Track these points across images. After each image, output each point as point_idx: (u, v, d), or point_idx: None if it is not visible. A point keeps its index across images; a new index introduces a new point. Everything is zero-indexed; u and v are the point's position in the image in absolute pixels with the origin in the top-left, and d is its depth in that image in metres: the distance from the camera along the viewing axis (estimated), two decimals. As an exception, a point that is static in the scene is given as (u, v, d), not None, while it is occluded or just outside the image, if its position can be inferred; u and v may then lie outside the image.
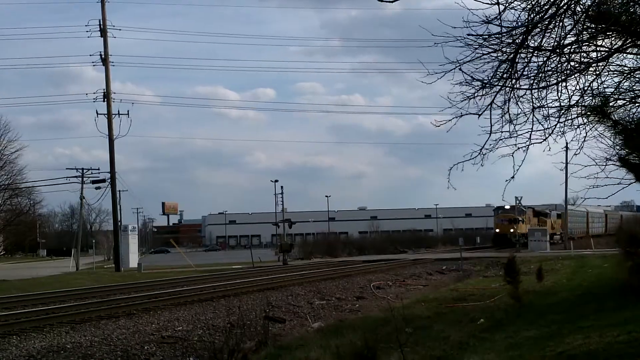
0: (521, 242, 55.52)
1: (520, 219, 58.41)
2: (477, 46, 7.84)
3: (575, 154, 9.63)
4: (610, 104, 9.87)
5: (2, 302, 22.11)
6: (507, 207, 57.32)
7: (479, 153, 8.71)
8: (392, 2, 6.74)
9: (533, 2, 7.45)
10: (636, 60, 9.48)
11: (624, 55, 9.13)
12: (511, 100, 8.63)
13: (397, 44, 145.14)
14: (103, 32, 47.06)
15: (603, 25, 7.74)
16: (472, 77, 7.98)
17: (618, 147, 10.52)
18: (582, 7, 7.55)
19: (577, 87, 8.83)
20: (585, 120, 9.49)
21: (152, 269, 46.18)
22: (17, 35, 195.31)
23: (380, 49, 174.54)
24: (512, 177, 8.96)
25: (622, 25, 7.81)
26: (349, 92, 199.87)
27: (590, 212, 74.66)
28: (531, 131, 8.76)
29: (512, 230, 57.77)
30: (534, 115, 8.74)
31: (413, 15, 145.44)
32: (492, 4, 7.36)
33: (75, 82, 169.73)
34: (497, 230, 60.80)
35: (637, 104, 10.38)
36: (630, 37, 8.16)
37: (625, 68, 9.60)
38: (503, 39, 7.76)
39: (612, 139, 10.21)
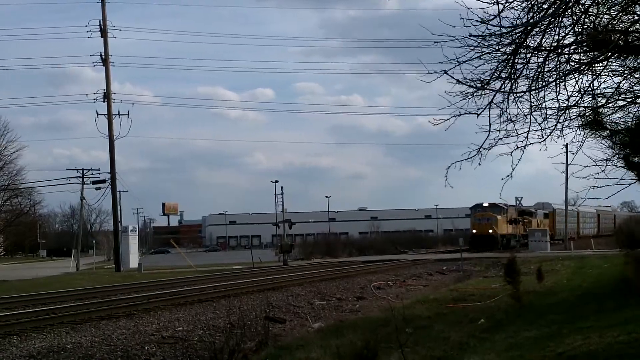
0: (502, 243, 52.31)
1: (500, 218, 53.88)
2: (476, 46, 7.84)
3: (575, 153, 9.64)
4: (610, 105, 9.87)
5: (3, 302, 22.11)
6: (486, 204, 54.05)
7: (477, 152, 8.71)
8: (388, -1, 6.72)
9: (532, 2, 7.46)
10: (633, 61, 9.48)
11: (623, 56, 9.13)
12: (510, 100, 8.64)
13: (396, 45, 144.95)
14: (103, 33, 47.04)
15: (596, 52, 7.76)
16: (462, 82, 7.99)
17: (618, 148, 10.53)
18: (582, 6, 7.56)
19: (576, 88, 8.84)
20: (583, 124, 9.50)
21: (152, 270, 46.18)
22: (16, 36, 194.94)
23: (379, 49, 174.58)
24: (508, 176, 8.97)
25: (618, 46, 7.83)
26: (348, 92, 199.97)
27: (581, 212, 70.43)
28: (529, 131, 8.77)
29: (490, 230, 52.59)
30: (532, 115, 8.75)
31: (412, 15, 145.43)
32: (491, 3, 7.36)
33: (74, 82, 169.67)
34: (474, 231, 54.67)
35: (637, 105, 10.38)
36: (619, 51, 8.19)
37: (626, 69, 9.60)
38: (502, 39, 7.77)
39: (612, 140, 10.23)
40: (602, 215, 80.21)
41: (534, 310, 13.50)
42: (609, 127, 9.72)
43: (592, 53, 8.44)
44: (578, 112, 9.35)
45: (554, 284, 20.11)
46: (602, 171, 9.88)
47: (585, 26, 7.81)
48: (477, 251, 49.57)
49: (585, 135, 9.64)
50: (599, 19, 7.94)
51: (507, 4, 7.37)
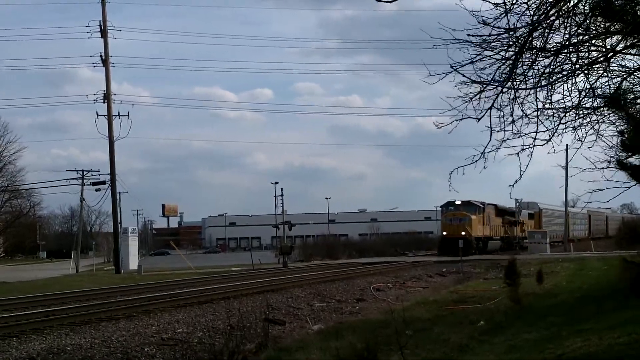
0: (477, 247, 47.00)
1: (475, 218, 47.86)
2: (479, 48, 7.85)
3: (576, 152, 9.65)
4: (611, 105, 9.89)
5: (2, 304, 22.10)
6: (458, 202, 47.40)
7: (481, 156, 8.68)
8: (390, 1, 6.75)
9: (536, 3, 7.46)
10: (636, 62, 9.51)
11: (623, 56, 9.15)
12: (513, 102, 8.64)
13: (397, 45, 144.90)
14: (103, 33, 46.96)
15: (609, 22, 7.75)
16: (471, 79, 7.98)
17: (619, 150, 10.55)
18: (587, 4, 7.56)
19: (578, 89, 8.85)
20: (587, 121, 9.50)
21: (152, 271, 46.15)
22: (14, 36, 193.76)
23: (378, 49, 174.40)
24: (517, 182, 8.97)
25: (627, 21, 7.82)
26: (347, 93, 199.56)
27: (571, 213, 63.40)
28: (536, 132, 8.74)
29: (463, 232, 45.87)
30: (538, 117, 8.73)
31: (412, 15, 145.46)
32: (495, 4, 7.37)
33: (72, 82, 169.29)
34: (444, 233, 48.44)
35: (637, 104, 10.40)
36: (634, 35, 8.17)
37: (626, 69, 9.62)
38: (506, 41, 7.78)
39: (615, 138, 10.25)
40: (594, 217, 75.76)
41: (533, 312, 13.50)
42: (626, 108, 9.69)
43: (593, 54, 8.46)
44: (578, 113, 9.36)
45: (553, 286, 20.10)
46: (602, 174, 9.90)
47: (590, 28, 7.82)
48: (448, 257, 43.91)
49: (590, 124, 9.56)
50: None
51: (511, 7, 7.37)
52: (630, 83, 9.91)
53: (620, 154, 10.55)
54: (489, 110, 8.38)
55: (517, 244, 56.09)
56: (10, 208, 78.45)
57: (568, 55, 8.09)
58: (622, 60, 9.46)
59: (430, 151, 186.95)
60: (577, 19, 7.57)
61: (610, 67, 9.27)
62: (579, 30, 7.69)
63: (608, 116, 10.04)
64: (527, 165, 8.84)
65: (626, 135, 10.58)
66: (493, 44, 7.79)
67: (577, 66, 8.30)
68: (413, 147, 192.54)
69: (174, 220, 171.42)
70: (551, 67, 8.14)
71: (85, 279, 38.22)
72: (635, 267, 12.86)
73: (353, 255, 62.62)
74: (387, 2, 6.77)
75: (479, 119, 8.46)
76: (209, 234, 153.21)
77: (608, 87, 9.39)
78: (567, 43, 7.71)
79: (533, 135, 8.75)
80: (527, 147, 8.78)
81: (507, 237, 56.05)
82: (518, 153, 8.83)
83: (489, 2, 7.37)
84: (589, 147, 9.69)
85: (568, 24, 7.56)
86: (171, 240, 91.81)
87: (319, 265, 47.06)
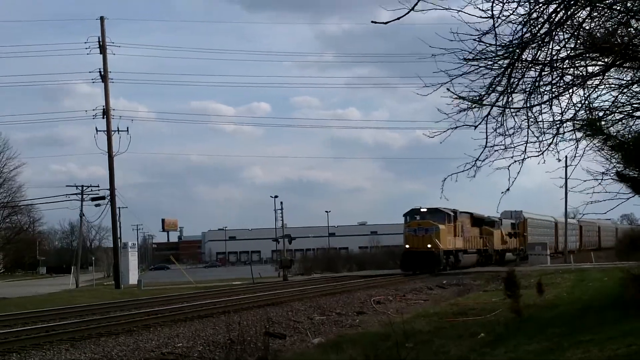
0: (448, 262, 41.28)
1: (444, 228, 40.79)
2: (472, 59, 7.92)
3: (574, 167, 9.69)
4: (608, 118, 9.94)
5: (2, 319, 22.04)
6: (424, 209, 41.50)
7: (473, 164, 8.76)
8: (385, 23, 6.87)
9: (528, 17, 7.54)
10: (632, 75, 9.55)
11: (620, 69, 9.20)
12: (506, 113, 8.71)
13: (392, 58, 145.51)
14: (102, 49, 47.14)
15: (594, 47, 7.83)
16: (460, 97, 8.07)
17: (615, 161, 10.58)
18: (575, 24, 7.64)
19: (573, 102, 8.91)
20: (580, 135, 9.56)
21: (152, 286, 46.06)
22: (11, 53, 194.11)
23: (375, 62, 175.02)
24: (507, 190, 9.03)
25: (612, 46, 7.89)
26: (344, 105, 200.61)
27: (558, 223, 59.31)
28: (526, 144, 8.83)
29: (429, 245, 39.58)
30: (529, 129, 8.81)
31: (407, 28, 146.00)
32: (487, 17, 7.46)
33: (69, 97, 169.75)
34: (408, 246, 41.75)
35: (634, 118, 10.44)
36: (621, 58, 8.25)
37: (622, 82, 9.67)
38: (498, 53, 7.85)
39: (609, 153, 10.28)
40: (585, 227, 70.15)
41: (534, 323, 13.47)
42: (605, 131, 9.76)
43: (588, 68, 8.51)
44: (573, 126, 9.41)
45: (554, 297, 20.06)
46: (600, 184, 9.94)
47: (580, 40, 7.89)
48: (412, 273, 39.39)
49: (583, 138, 9.66)
50: (595, 32, 8.01)
51: (502, 19, 7.45)
52: (627, 97, 9.96)
53: (618, 165, 10.58)
54: (485, 119, 8.46)
55: (516, 257, 53.61)
56: (10, 224, 78.42)
57: (558, 70, 8.15)
58: (618, 74, 9.52)
59: (429, 164, 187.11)
60: (564, 36, 7.65)
61: (607, 82, 9.34)
62: (570, 46, 7.77)
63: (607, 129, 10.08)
64: (517, 173, 8.94)
65: (625, 147, 10.61)
66: (486, 55, 7.87)
67: (569, 80, 8.37)
68: (411, 159, 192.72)
69: (174, 235, 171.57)
70: (542, 81, 8.22)
71: (85, 294, 38.14)
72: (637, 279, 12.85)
73: (353, 268, 62.48)
74: (383, 23, 6.89)
75: (476, 127, 8.54)
76: (209, 248, 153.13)
77: (601, 102, 9.46)
78: (558, 58, 7.79)
79: (527, 147, 8.84)
80: (519, 159, 8.87)
81: (486, 249, 49.46)
82: (509, 165, 8.91)
83: (476, 15, 7.46)
84: (580, 161, 9.73)
85: (558, 40, 7.64)
86: (171, 254, 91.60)
87: (319, 279, 46.99)
